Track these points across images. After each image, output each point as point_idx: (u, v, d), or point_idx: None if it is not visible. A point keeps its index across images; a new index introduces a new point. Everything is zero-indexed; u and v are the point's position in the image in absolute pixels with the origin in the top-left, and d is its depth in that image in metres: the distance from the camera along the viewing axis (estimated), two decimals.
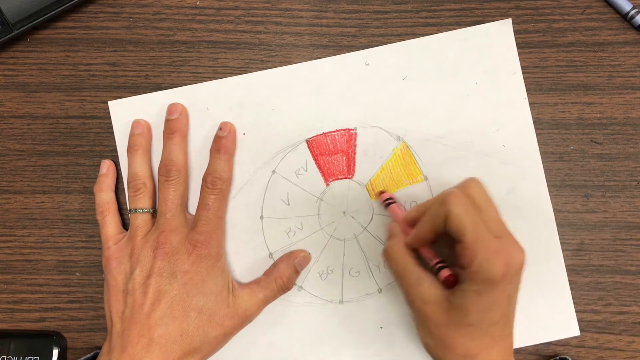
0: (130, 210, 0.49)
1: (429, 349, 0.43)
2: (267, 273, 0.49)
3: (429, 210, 0.42)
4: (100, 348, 0.47)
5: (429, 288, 0.42)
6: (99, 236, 0.49)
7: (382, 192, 0.49)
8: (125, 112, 0.51)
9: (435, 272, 0.42)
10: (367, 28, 0.51)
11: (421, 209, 0.44)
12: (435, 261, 0.43)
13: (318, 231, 0.50)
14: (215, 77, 0.51)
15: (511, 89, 0.50)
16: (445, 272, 0.42)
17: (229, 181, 0.49)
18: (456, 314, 0.40)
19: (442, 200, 0.41)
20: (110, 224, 0.49)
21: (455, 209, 0.40)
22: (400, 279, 0.43)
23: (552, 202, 0.50)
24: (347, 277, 0.50)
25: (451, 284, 0.41)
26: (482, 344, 0.41)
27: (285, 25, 0.51)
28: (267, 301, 0.48)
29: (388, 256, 0.44)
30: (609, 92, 0.51)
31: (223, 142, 0.49)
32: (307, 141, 0.50)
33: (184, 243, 0.46)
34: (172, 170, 0.48)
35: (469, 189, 0.42)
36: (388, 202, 0.48)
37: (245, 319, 0.47)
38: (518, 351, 0.50)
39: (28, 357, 0.49)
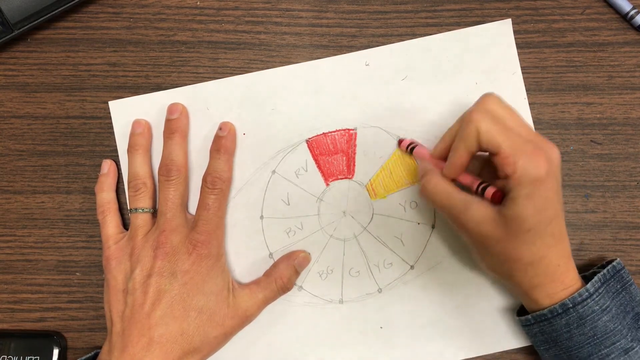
0: (130, 210, 0.49)
1: (493, 269, 0.44)
2: (267, 273, 0.49)
3: (458, 135, 0.43)
4: (100, 348, 0.47)
5: (479, 208, 0.42)
6: (99, 236, 0.49)
7: (401, 140, 0.49)
8: (126, 112, 0.51)
9: (479, 193, 0.42)
10: (367, 28, 0.51)
11: (447, 139, 0.45)
12: (477, 183, 0.43)
13: (318, 231, 0.50)
14: (216, 77, 0.51)
15: (511, 89, 0.50)
16: (490, 190, 0.42)
17: (229, 181, 0.49)
18: (513, 224, 0.40)
19: (467, 121, 0.41)
20: (110, 223, 0.49)
21: (483, 124, 0.41)
22: (447, 210, 0.43)
23: None
24: (347, 277, 0.50)
25: (498, 199, 0.41)
26: (545, 245, 0.41)
27: (285, 26, 0.51)
28: (267, 301, 0.48)
29: (428, 192, 0.44)
30: (608, 92, 0.51)
31: (223, 142, 0.49)
32: (307, 141, 0.50)
33: (184, 243, 0.46)
34: (172, 170, 0.48)
35: (487, 104, 0.42)
36: (412, 147, 0.48)
37: (245, 319, 0.47)
38: (518, 351, 0.50)
39: (28, 357, 0.49)
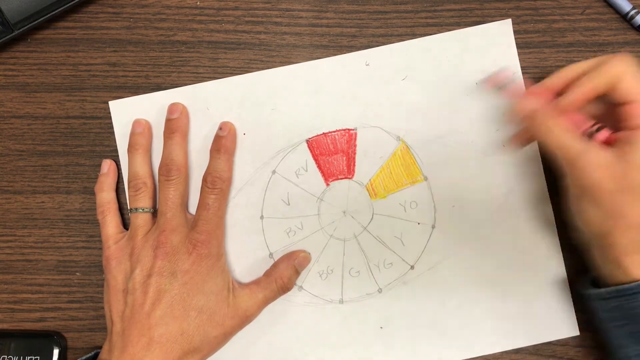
0: (130, 209, 0.49)
1: (592, 224, 0.41)
2: (267, 273, 0.49)
3: (593, 72, 0.41)
4: (100, 348, 0.47)
5: (598, 153, 0.40)
6: (100, 236, 0.49)
7: (496, 75, 0.48)
8: (126, 112, 0.51)
9: (591, 135, 0.41)
10: (367, 28, 0.51)
11: (570, 74, 0.43)
12: (590, 124, 0.41)
13: (318, 231, 0.50)
14: (215, 77, 0.51)
15: (511, 90, 0.50)
16: (605, 133, 0.40)
17: (229, 181, 0.49)
18: (631, 175, 0.39)
19: (612, 63, 0.40)
20: (110, 223, 0.49)
21: (629, 69, 0.40)
22: (563, 150, 0.41)
23: (552, 202, 0.50)
24: (347, 277, 0.50)
25: (610, 142, 0.40)
26: None
27: (285, 26, 0.51)
28: (267, 301, 0.48)
29: (544, 130, 0.42)
30: None
31: (223, 142, 0.49)
32: (307, 141, 0.50)
33: (184, 243, 0.46)
34: (172, 169, 0.48)
35: (628, 58, 0.41)
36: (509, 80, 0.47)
37: (245, 319, 0.47)
38: (518, 351, 0.50)
39: (28, 357, 0.49)
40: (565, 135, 0.42)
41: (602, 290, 0.43)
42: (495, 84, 0.48)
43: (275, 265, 0.49)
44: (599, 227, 0.41)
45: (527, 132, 0.47)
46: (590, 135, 0.42)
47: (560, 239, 0.49)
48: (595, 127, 0.42)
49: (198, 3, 0.51)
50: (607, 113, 0.43)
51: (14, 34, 0.49)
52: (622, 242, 0.41)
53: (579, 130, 0.42)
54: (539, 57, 0.50)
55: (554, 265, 0.49)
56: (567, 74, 0.44)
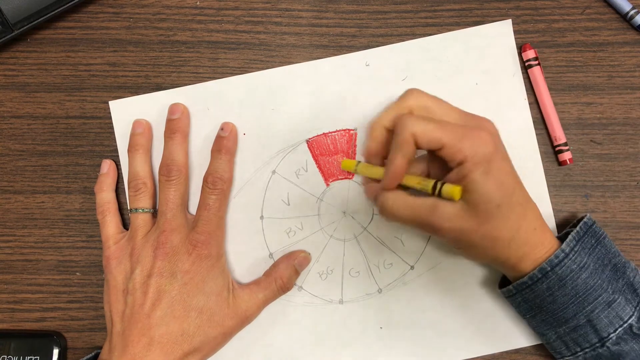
0: (130, 210, 0.49)
1: (478, 258, 0.45)
2: (267, 273, 0.49)
3: (393, 145, 0.42)
4: (100, 348, 0.47)
5: (445, 205, 0.41)
6: (99, 236, 0.49)
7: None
8: (126, 112, 0.51)
9: (436, 194, 0.41)
10: (367, 28, 0.51)
11: (379, 134, 0.44)
12: (432, 183, 0.41)
13: (318, 231, 0.50)
14: (215, 77, 0.51)
15: (511, 90, 0.50)
16: (448, 185, 0.40)
17: (229, 181, 0.49)
18: (481, 206, 0.40)
19: (401, 128, 0.41)
20: (110, 223, 0.49)
21: (417, 127, 0.40)
22: (415, 219, 0.42)
23: (552, 202, 0.50)
24: (347, 277, 0.50)
25: (459, 192, 0.40)
26: (517, 216, 0.42)
27: (285, 26, 0.51)
28: (267, 302, 0.48)
29: (389, 210, 0.43)
30: (608, 92, 0.51)
31: (224, 143, 0.49)
32: (307, 141, 0.50)
33: (184, 243, 0.46)
34: (173, 170, 0.48)
35: (410, 100, 0.43)
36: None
37: (245, 319, 0.47)
38: (518, 351, 0.50)
39: (28, 357, 0.49)
40: (411, 206, 0.42)
41: (505, 289, 0.46)
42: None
43: (275, 266, 0.49)
44: (486, 258, 0.44)
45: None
46: (439, 192, 0.41)
47: (560, 239, 0.49)
48: (438, 184, 0.41)
49: (198, 3, 0.51)
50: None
51: (14, 34, 0.49)
52: (510, 256, 0.43)
53: (427, 189, 0.42)
54: (539, 57, 0.50)
55: None
56: (377, 136, 0.44)
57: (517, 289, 0.44)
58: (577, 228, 0.44)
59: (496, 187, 0.40)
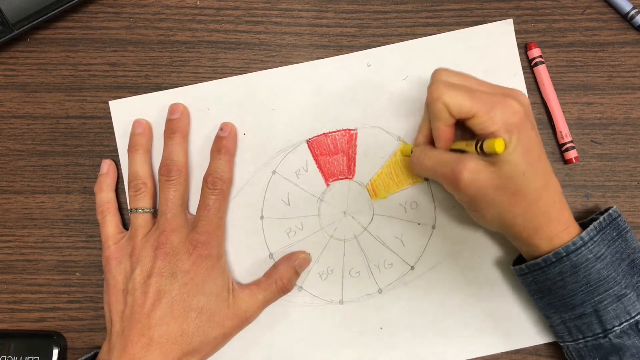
0: (130, 210, 0.49)
1: (493, 221, 0.44)
2: (267, 274, 0.49)
3: (430, 118, 0.43)
4: (100, 348, 0.47)
5: (471, 160, 0.42)
6: (99, 236, 0.49)
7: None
8: (126, 112, 0.51)
9: (480, 148, 0.41)
10: (367, 28, 0.51)
11: (424, 128, 0.46)
12: (473, 143, 0.42)
13: (318, 231, 0.50)
14: (215, 77, 0.51)
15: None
16: (489, 139, 0.40)
17: (229, 181, 0.49)
18: (506, 171, 0.41)
19: (431, 101, 0.42)
20: (110, 223, 0.49)
21: (447, 97, 0.41)
22: (442, 170, 0.43)
23: None
24: (347, 277, 0.50)
25: (501, 144, 0.40)
26: (539, 185, 0.42)
27: (285, 26, 0.51)
28: (267, 302, 0.48)
29: (420, 161, 0.45)
30: (609, 92, 0.51)
31: (224, 143, 0.49)
32: (307, 141, 0.50)
33: (184, 243, 0.46)
34: (172, 170, 0.48)
35: (441, 76, 0.43)
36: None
37: (245, 320, 0.47)
38: (518, 351, 0.50)
39: (28, 357, 0.49)
40: (439, 159, 0.44)
41: (517, 267, 0.46)
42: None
43: (275, 266, 0.49)
44: (501, 223, 0.44)
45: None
46: (481, 149, 0.41)
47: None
48: (479, 143, 0.41)
49: (198, 3, 0.51)
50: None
51: (13, 33, 0.49)
52: (526, 225, 0.43)
53: (470, 148, 0.42)
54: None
55: None
56: (423, 128, 0.46)
57: (529, 269, 0.44)
58: (601, 219, 0.44)
59: (523, 155, 0.41)
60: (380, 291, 0.50)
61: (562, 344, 0.46)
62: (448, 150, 0.44)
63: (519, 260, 0.47)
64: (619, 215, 0.45)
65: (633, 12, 0.50)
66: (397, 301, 0.50)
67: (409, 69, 0.50)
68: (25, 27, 0.49)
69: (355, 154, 0.50)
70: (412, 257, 0.50)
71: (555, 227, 0.43)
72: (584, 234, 0.43)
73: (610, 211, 0.44)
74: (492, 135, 0.40)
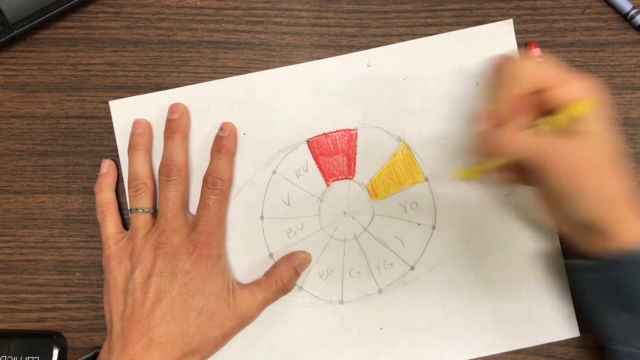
0: (130, 210, 0.49)
1: (579, 209, 0.41)
2: (267, 274, 0.49)
3: (508, 81, 0.43)
4: (100, 348, 0.47)
5: (563, 140, 0.41)
6: (99, 236, 0.49)
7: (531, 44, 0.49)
8: (126, 112, 0.51)
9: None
10: (367, 28, 0.51)
11: (505, 102, 0.43)
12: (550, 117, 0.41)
13: (318, 232, 0.50)
14: (215, 77, 0.51)
15: None
16: (576, 102, 0.40)
17: (229, 181, 0.49)
18: (594, 138, 0.41)
19: (517, 66, 0.42)
20: (110, 223, 0.49)
21: (532, 63, 0.42)
22: (531, 149, 0.41)
23: None
24: (347, 277, 0.50)
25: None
26: (621, 173, 0.42)
27: (285, 25, 0.51)
28: (267, 302, 0.48)
29: (504, 142, 0.42)
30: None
31: (224, 143, 0.49)
32: (307, 141, 0.50)
33: (184, 243, 0.46)
34: (173, 170, 0.48)
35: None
36: None
37: (245, 320, 0.47)
38: (518, 352, 0.50)
39: (28, 357, 0.49)
40: (525, 136, 0.42)
41: (580, 262, 0.44)
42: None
43: (275, 266, 0.49)
44: (585, 210, 0.41)
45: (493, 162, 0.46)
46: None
47: (560, 239, 0.49)
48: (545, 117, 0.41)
49: (198, 3, 0.51)
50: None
51: (14, 33, 0.49)
52: (606, 212, 0.41)
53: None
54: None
55: (555, 266, 0.49)
56: (504, 102, 0.43)
57: (596, 267, 0.43)
58: None
59: (606, 131, 0.41)
60: (380, 291, 0.50)
61: (612, 348, 0.44)
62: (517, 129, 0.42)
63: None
64: None
65: (633, 12, 0.50)
66: (397, 301, 0.50)
67: (409, 69, 0.50)
68: (25, 27, 0.49)
69: (355, 154, 0.50)
70: (412, 257, 0.50)
71: (632, 221, 0.41)
72: None
73: None
74: (572, 105, 0.40)
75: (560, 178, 0.41)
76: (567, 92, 0.41)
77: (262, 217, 0.50)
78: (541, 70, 0.42)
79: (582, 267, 0.45)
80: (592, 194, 0.41)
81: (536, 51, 0.50)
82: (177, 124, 0.49)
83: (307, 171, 0.50)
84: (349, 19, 0.51)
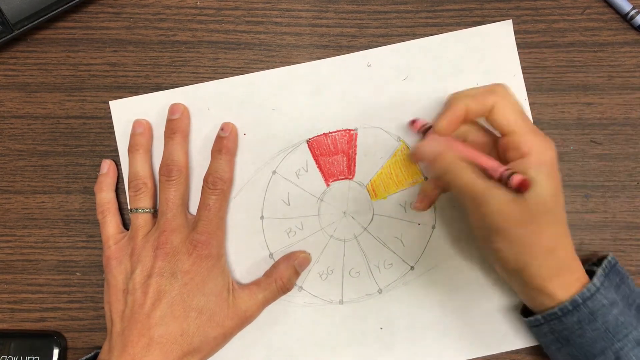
0: (131, 210, 0.49)
1: (508, 258, 0.42)
2: (267, 274, 0.49)
3: (471, 95, 0.43)
4: (100, 348, 0.47)
5: (499, 191, 0.41)
6: (100, 236, 0.49)
7: (414, 121, 0.48)
8: (126, 112, 0.51)
9: (504, 180, 0.41)
10: (367, 28, 0.51)
11: (457, 109, 0.44)
12: (503, 169, 0.41)
13: (318, 231, 0.50)
14: (216, 77, 0.51)
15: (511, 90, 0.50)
16: (518, 177, 0.40)
17: (230, 181, 0.49)
18: (533, 205, 0.40)
19: (490, 90, 0.42)
20: (110, 223, 0.49)
21: (505, 101, 0.42)
22: (470, 189, 0.42)
23: None
24: (347, 277, 0.50)
25: (526, 187, 0.40)
26: (561, 231, 0.42)
27: (285, 26, 0.51)
28: (267, 302, 0.48)
29: (452, 170, 0.43)
30: (608, 92, 0.51)
31: (225, 143, 0.49)
32: (307, 141, 0.50)
33: (184, 243, 0.46)
34: (173, 170, 0.48)
35: (505, 88, 0.43)
36: (427, 128, 0.47)
37: (245, 320, 0.47)
38: (518, 352, 0.50)
39: (28, 357, 0.49)
40: (471, 175, 0.42)
41: (532, 318, 0.45)
42: (418, 126, 0.48)
43: (275, 266, 0.49)
44: (515, 263, 0.42)
45: (431, 186, 0.48)
46: (504, 180, 0.41)
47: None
48: (508, 171, 0.41)
49: (198, 3, 0.51)
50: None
51: (14, 34, 0.49)
52: (541, 270, 0.42)
53: (495, 175, 0.42)
54: (539, 57, 0.51)
55: None
56: (454, 111, 0.44)
57: (545, 319, 0.43)
58: (603, 265, 0.44)
59: (553, 193, 0.40)
60: (380, 291, 0.50)
61: None
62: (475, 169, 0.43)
63: (526, 311, 0.47)
64: (617, 262, 0.45)
65: (633, 12, 0.50)
66: (397, 301, 0.50)
67: (409, 69, 0.50)
68: (25, 27, 0.49)
69: (355, 154, 0.50)
70: (412, 257, 0.50)
71: (571, 276, 0.43)
72: (595, 279, 0.42)
73: (608, 258, 0.44)
74: (523, 158, 0.40)
75: (488, 228, 0.42)
76: (519, 143, 0.41)
77: (262, 217, 0.50)
78: (510, 109, 0.42)
79: (529, 324, 0.46)
80: (519, 251, 0.42)
81: (419, 123, 0.48)
82: (177, 124, 0.49)
83: (307, 171, 0.50)
84: (349, 19, 0.51)
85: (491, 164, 0.42)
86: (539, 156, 0.40)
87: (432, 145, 0.45)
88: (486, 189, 0.41)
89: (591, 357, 0.43)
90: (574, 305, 0.42)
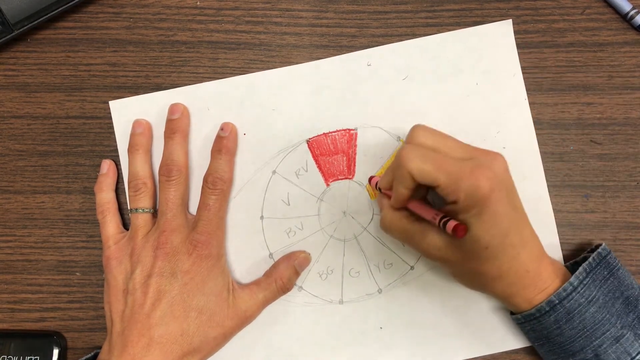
0: (130, 210, 0.49)
1: (466, 284, 0.45)
2: (267, 274, 0.49)
3: (394, 177, 0.43)
4: (100, 348, 0.47)
5: (434, 236, 0.42)
6: (100, 236, 0.49)
7: (371, 177, 0.49)
8: (126, 112, 0.51)
9: (442, 226, 0.41)
10: (367, 28, 0.51)
11: (389, 172, 0.44)
12: (438, 218, 0.41)
13: (318, 231, 0.50)
14: (216, 77, 0.51)
15: (511, 90, 0.50)
16: (452, 223, 0.40)
17: (230, 181, 0.49)
18: (468, 245, 0.41)
19: (398, 164, 0.42)
20: (110, 223, 0.49)
21: (414, 165, 0.41)
22: (408, 240, 0.44)
23: (552, 202, 0.50)
24: (347, 277, 0.50)
25: (462, 233, 0.40)
26: (508, 257, 0.42)
27: (285, 26, 0.51)
28: (267, 302, 0.48)
29: (386, 226, 0.45)
30: (608, 92, 0.51)
31: (224, 143, 0.49)
32: (307, 141, 0.50)
33: (184, 243, 0.46)
34: (173, 170, 0.48)
35: (416, 138, 0.43)
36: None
37: (245, 320, 0.47)
38: (517, 352, 0.50)
39: (28, 357, 0.49)
40: (404, 229, 0.44)
41: (514, 316, 0.46)
42: (374, 183, 0.48)
43: (275, 266, 0.49)
44: (473, 286, 0.45)
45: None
46: (444, 226, 0.41)
47: (560, 239, 0.50)
48: (443, 220, 0.41)
49: (198, 3, 0.51)
50: None
51: (14, 34, 0.49)
52: (498, 291, 0.44)
53: (434, 222, 0.42)
54: (539, 57, 0.51)
55: None
56: (389, 172, 0.44)
57: (525, 319, 0.45)
58: (590, 259, 0.44)
59: (485, 230, 0.40)
60: (380, 291, 0.50)
61: None
62: (411, 217, 0.44)
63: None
64: (609, 253, 0.45)
65: (633, 12, 0.50)
66: (397, 301, 0.50)
67: (409, 69, 0.50)
68: (25, 27, 0.49)
69: (355, 154, 0.50)
70: (412, 257, 0.50)
71: (531, 291, 0.43)
72: (572, 278, 0.43)
73: (599, 250, 0.44)
74: (453, 204, 0.40)
75: (436, 263, 0.45)
76: (447, 195, 0.40)
77: (262, 217, 0.50)
78: (424, 172, 0.40)
79: (515, 321, 0.47)
80: (471, 281, 0.44)
81: (374, 180, 0.48)
82: (177, 124, 0.49)
83: (307, 171, 0.50)
84: (349, 19, 0.51)
85: (426, 213, 0.42)
86: (468, 200, 0.39)
87: (377, 202, 0.47)
88: (423, 232, 0.43)
89: (570, 354, 0.44)
90: (550, 305, 0.43)
